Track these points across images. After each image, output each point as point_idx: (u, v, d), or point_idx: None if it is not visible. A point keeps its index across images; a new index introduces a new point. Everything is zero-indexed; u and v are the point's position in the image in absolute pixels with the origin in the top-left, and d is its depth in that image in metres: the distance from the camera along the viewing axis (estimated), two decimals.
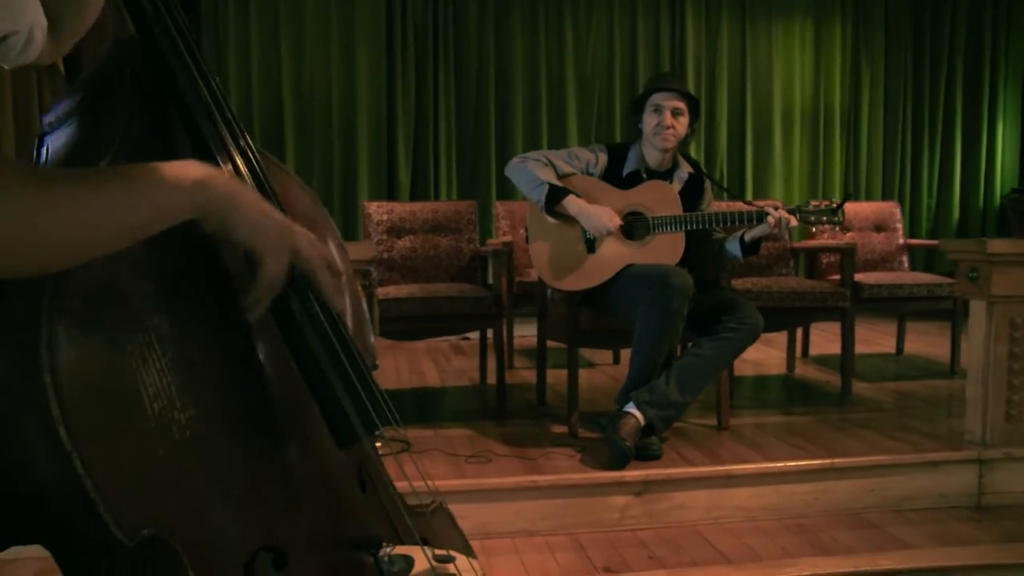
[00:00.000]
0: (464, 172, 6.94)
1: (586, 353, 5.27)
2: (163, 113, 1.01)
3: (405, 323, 4.08)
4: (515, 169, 3.47)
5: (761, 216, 3.26)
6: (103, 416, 0.80)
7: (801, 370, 4.93)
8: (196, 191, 0.83)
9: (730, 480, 3.13)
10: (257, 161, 1.04)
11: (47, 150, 0.97)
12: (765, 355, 5.39)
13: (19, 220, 0.70)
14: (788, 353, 4.91)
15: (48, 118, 0.99)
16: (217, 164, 0.98)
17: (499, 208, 5.32)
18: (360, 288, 1.25)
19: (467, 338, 5.86)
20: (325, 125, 6.82)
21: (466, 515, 2.97)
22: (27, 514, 0.84)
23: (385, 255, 4.56)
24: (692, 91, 3.72)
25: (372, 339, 1.26)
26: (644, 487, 3.07)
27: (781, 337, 4.97)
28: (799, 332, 5.04)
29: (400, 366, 5.34)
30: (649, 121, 3.42)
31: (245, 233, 0.88)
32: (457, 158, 6.99)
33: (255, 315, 0.93)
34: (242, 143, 1.03)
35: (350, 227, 6.41)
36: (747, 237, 3.37)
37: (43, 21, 1.08)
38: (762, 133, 7.31)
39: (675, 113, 3.41)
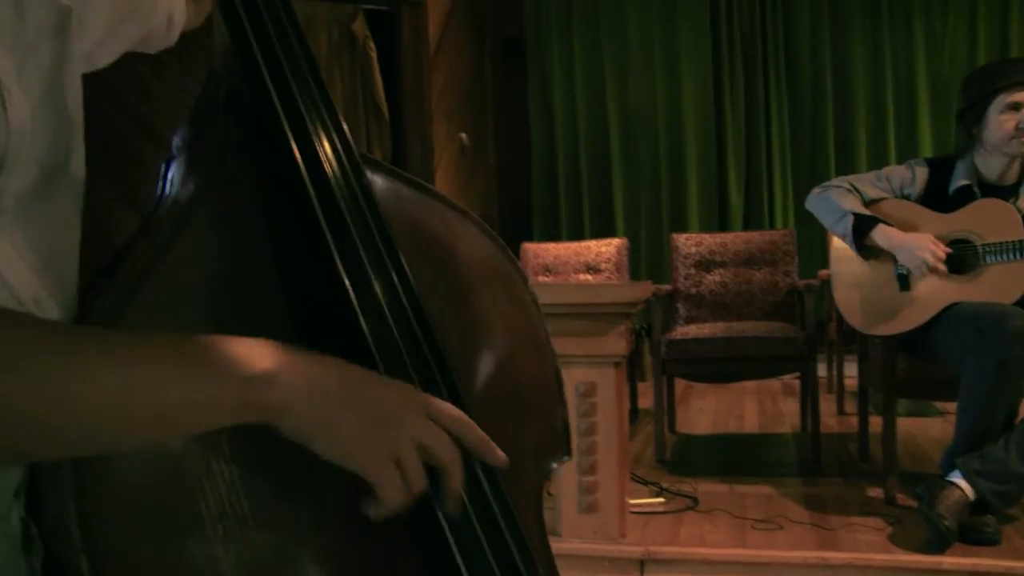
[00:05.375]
0: (801, 197, 6.38)
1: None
2: (263, 148, 0.83)
3: (707, 365, 3.79)
4: (816, 200, 3.07)
5: None
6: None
7: None
8: (247, 390, 0.61)
9: None
10: (375, 219, 0.79)
11: (171, 181, 0.83)
12: None
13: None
14: None
15: (176, 140, 0.86)
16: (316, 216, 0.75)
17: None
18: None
19: (799, 378, 5.36)
20: (652, 153, 6.62)
21: None
22: None
23: (693, 290, 4.28)
24: None
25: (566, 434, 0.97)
26: None
27: None
28: None
29: (720, 408, 5.00)
30: (1001, 124, 2.81)
31: (324, 451, 0.65)
32: (793, 182, 6.47)
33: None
34: (353, 183, 0.79)
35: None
36: None
37: (180, 2, 1.00)
38: None
39: None
